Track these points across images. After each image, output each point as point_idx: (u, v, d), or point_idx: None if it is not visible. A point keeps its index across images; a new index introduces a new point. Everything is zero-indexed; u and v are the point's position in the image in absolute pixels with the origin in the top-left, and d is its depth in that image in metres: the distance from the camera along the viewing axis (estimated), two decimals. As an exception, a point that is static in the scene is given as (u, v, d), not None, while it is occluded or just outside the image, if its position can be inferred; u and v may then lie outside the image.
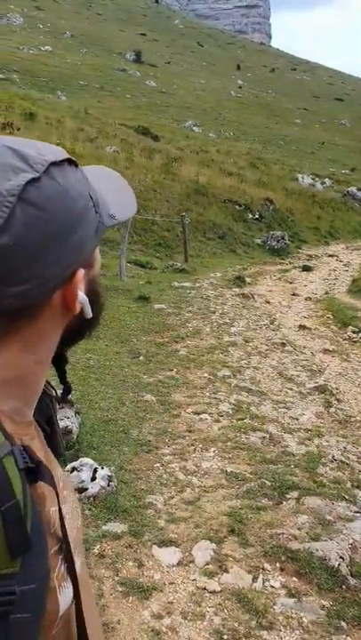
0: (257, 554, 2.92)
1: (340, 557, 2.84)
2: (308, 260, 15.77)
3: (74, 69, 48.96)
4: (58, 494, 0.62)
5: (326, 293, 11.06)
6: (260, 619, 2.49)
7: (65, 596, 0.62)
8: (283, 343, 7.19)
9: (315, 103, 78.44)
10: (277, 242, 16.67)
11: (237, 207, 18.34)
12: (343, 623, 2.51)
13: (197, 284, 10.38)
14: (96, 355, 5.61)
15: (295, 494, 3.50)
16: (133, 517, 3.12)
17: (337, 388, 5.76)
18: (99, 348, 5.83)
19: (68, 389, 0.79)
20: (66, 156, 0.61)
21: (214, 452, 4.08)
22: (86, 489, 3.17)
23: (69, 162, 0.61)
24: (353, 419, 5.05)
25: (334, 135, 55.95)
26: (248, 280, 11.58)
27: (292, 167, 32.68)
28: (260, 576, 2.76)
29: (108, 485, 3.27)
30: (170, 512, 3.26)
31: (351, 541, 2.97)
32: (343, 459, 4.12)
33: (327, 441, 4.45)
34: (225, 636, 2.39)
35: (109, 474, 3.34)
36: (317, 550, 2.88)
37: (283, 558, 2.88)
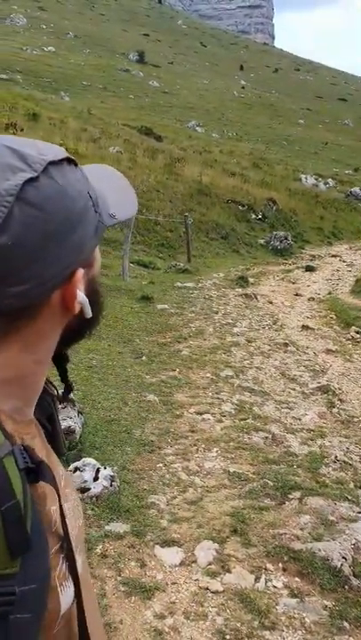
0: (259, 554, 2.92)
1: (343, 558, 2.84)
2: (312, 260, 15.74)
3: (77, 70, 49.04)
4: (59, 493, 0.62)
5: (329, 294, 11.05)
6: (263, 619, 2.49)
7: (66, 595, 0.62)
8: (285, 343, 7.18)
9: (318, 103, 78.38)
10: (280, 242, 16.65)
11: (240, 207, 18.33)
12: (346, 623, 2.51)
13: (200, 285, 10.37)
14: (99, 355, 5.61)
15: (298, 494, 3.49)
16: (136, 517, 3.13)
17: (340, 389, 5.75)
18: (101, 348, 5.84)
19: (69, 388, 0.79)
20: (65, 155, 0.61)
21: (217, 452, 4.08)
22: (89, 489, 3.18)
23: (69, 161, 0.61)
24: (356, 419, 5.04)
25: (338, 135, 55.88)
26: (251, 280, 11.57)
27: (296, 167, 32.66)
28: (263, 576, 2.76)
29: (111, 485, 3.27)
30: (172, 512, 3.26)
31: (354, 542, 2.97)
32: (346, 459, 4.12)
33: (330, 441, 4.45)
34: (227, 637, 2.38)
35: (112, 474, 3.34)
36: (320, 550, 2.88)
37: (285, 558, 2.88)
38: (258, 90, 78.02)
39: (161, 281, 10.08)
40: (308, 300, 10.41)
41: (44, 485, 0.60)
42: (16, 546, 0.52)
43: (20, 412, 0.62)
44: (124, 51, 72.26)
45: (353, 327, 8.25)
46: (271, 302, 9.91)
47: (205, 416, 4.68)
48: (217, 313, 8.38)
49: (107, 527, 2.99)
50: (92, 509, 3.10)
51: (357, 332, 7.98)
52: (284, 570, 2.83)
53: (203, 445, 4.16)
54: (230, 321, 8.03)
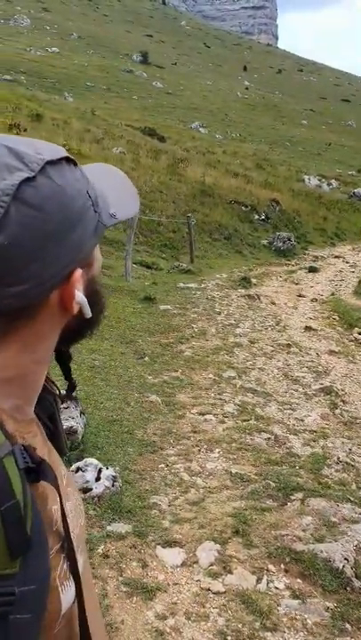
0: (261, 555, 2.91)
1: (345, 559, 2.83)
2: (315, 261, 15.72)
3: (81, 71, 49.12)
4: (60, 492, 0.62)
5: (332, 295, 11.03)
6: (264, 620, 2.48)
7: (67, 595, 0.62)
8: (288, 344, 7.17)
9: (321, 104, 78.36)
10: (283, 243, 16.63)
11: (243, 208, 18.32)
12: (348, 625, 2.50)
13: (203, 285, 10.37)
14: (101, 355, 5.62)
15: (300, 496, 3.49)
16: (138, 518, 3.13)
17: (343, 390, 5.74)
18: (104, 348, 5.84)
19: (72, 386, 0.79)
20: (64, 154, 0.60)
21: (219, 452, 4.08)
22: (91, 489, 3.18)
23: (67, 160, 0.61)
24: (358, 420, 5.03)
25: (341, 136, 55.83)
26: (254, 281, 11.56)
27: (299, 168, 32.62)
28: (265, 577, 2.76)
29: (113, 486, 3.27)
30: (174, 513, 3.25)
31: (356, 543, 2.96)
32: (348, 460, 4.11)
33: (332, 442, 4.44)
34: (229, 637, 2.38)
35: (114, 474, 3.34)
36: (322, 552, 2.87)
37: (287, 559, 2.87)
38: (261, 91, 78.03)
39: (164, 281, 10.08)
40: (311, 301, 10.40)
41: (44, 485, 0.59)
42: (16, 546, 0.52)
43: (21, 411, 0.62)
44: (128, 51, 72.36)
45: (356, 328, 8.24)
46: (274, 303, 9.90)
47: (208, 417, 4.68)
48: (220, 314, 8.38)
49: (108, 527, 2.99)
50: (94, 509, 3.11)
51: (360, 334, 7.98)
52: (286, 571, 2.82)
53: (205, 446, 4.16)
54: (233, 322, 8.02)
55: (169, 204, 15.57)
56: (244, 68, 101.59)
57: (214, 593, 2.64)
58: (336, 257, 16.91)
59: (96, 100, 37.03)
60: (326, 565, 2.80)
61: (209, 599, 2.61)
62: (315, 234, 20.35)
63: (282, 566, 2.85)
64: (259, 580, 2.74)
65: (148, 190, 15.04)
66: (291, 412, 5.05)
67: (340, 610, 2.58)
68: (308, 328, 8.18)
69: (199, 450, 4.10)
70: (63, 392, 0.79)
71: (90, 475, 3.23)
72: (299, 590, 2.69)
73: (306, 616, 2.53)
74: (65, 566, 0.62)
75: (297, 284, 12.23)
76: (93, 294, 0.66)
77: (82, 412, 4.00)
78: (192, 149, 27.10)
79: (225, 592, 2.65)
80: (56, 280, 0.59)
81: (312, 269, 13.94)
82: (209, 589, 2.66)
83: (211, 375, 5.71)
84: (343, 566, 2.79)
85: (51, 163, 0.58)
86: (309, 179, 29.20)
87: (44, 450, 0.66)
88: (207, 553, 2.89)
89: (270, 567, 2.83)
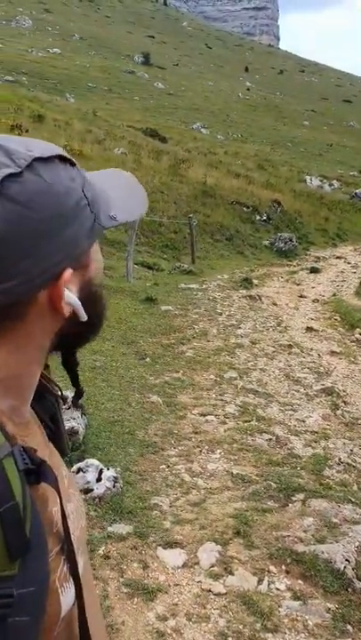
0: (262, 556, 2.91)
1: (346, 560, 2.83)
2: (316, 261, 15.70)
3: (82, 71, 49.19)
4: (60, 494, 0.62)
5: (334, 295, 11.02)
6: (266, 621, 2.48)
7: (67, 597, 0.61)
8: (290, 345, 7.17)
9: (323, 105, 78.37)
10: (285, 243, 16.62)
11: (245, 209, 18.32)
12: (349, 626, 2.50)
13: (204, 286, 10.37)
14: (102, 356, 5.62)
15: (301, 496, 3.48)
16: (139, 519, 3.12)
17: (344, 391, 5.73)
18: (105, 349, 5.84)
19: (79, 393, 0.78)
20: (57, 152, 0.60)
21: (220, 453, 4.07)
22: (92, 490, 3.18)
23: (61, 159, 0.60)
24: (360, 421, 5.02)
25: (343, 137, 55.82)
26: (255, 282, 11.55)
27: (301, 169, 32.62)
28: (266, 578, 2.75)
29: (114, 486, 3.27)
30: (175, 514, 3.25)
31: (357, 544, 2.96)
32: (350, 461, 4.11)
33: (334, 443, 4.44)
34: (230, 639, 2.38)
35: (115, 475, 3.34)
36: (323, 553, 2.87)
37: (288, 561, 2.87)
38: (263, 91, 78.05)
39: (165, 282, 10.08)
40: (313, 301, 10.39)
41: (45, 486, 0.59)
42: (15, 548, 0.52)
43: (18, 413, 0.62)
44: (130, 52, 72.44)
45: (357, 329, 8.23)
46: (275, 304, 9.90)
47: (209, 417, 4.68)
48: (221, 314, 8.38)
49: (109, 528, 2.99)
50: (95, 510, 3.10)
51: (362, 334, 7.97)
52: (287, 572, 2.82)
53: (206, 447, 4.16)
54: (234, 322, 8.02)
55: (170, 204, 15.58)
56: (246, 69, 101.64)
57: (215, 594, 2.64)
58: (338, 257, 16.89)
59: (98, 101, 37.08)
60: (327, 566, 2.80)
61: (210, 600, 2.60)
62: (316, 234, 20.33)
63: (283, 567, 2.84)
64: (260, 582, 2.73)
65: (149, 191, 14.99)
66: (292, 412, 5.05)
67: (342, 611, 2.58)
68: (309, 329, 8.17)
69: (200, 451, 4.10)
70: (67, 394, 0.78)
71: (91, 475, 3.23)
72: (300, 591, 2.69)
73: (307, 617, 2.53)
74: (65, 568, 0.61)
75: (298, 284, 12.22)
76: (90, 297, 0.65)
77: (83, 413, 4.01)
78: (194, 150, 27.12)
79: (226, 593, 2.65)
80: (45, 277, 0.58)
81: (314, 270, 13.93)
82: (210, 590, 2.66)
83: (212, 376, 5.70)
84: (344, 567, 2.79)
85: (40, 159, 0.57)
86: (311, 179, 29.19)
87: (45, 451, 0.65)
88: (208, 554, 2.89)
89: (271, 568, 2.83)
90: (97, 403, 4.56)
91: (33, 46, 53.46)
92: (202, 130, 40.16)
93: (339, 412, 5.16)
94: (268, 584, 2.72)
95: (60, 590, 0.60)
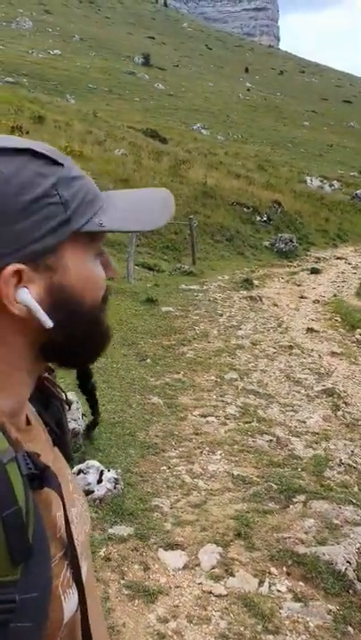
0: (263, 558, 2.91)
1: (347, 562, 2.83)
2: (317, 262, 15.70)
3: (83, 73, 49.25)
4: (64, 499, 0.61)
5: (335, 296, 11.02)
6: (267, 623, 2.48)
7: (70, 603, 0.61)
8: (290, 346, 7.17)
9: (323, 105, 78.42)
10: (286, 244, 16.62)
11: (245, 209, 18.32)
12: (350, 628, 2.50)
13: (205, 287, 10.37)
14: (103, 357, 5.59)
15: (302, 498, 3.48)
16: (139, 520, 3.12)
17: (345, 391, 5.73)
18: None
19: (94, 423, 0.76)
20: (31, 147, 0.58)
21: (221, 454, 4.07)
22: (92, 491, 3.18)
23: (36, 154, 0.58)
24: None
25: (343, 137, 55.85)
26: (256, 283, 11.56)
27: (301, 169, 32.64)
28: (267, 580, 2.75)
29: (115, 488, 3.27)
30: (176, 515, 3.25)
31: (358, 546, 2.95)
32: (351, 462, 4.10)
33: (334, 444, 4.43)
34: (231, 641, 2.38)
35: (116, 476, 3.34)
36: (324, 554, 2.87)
37: (289, 562, 2.87)
38: (263, 92, 78.10)
39: (166, 283, 10.08)
40: (313, 302, 10.39)
41: (48, 491, 0.59)
42: (17, 553, 0.51)
43: (16, 418, 0.62)
44: (130, 53, 72.50)
45: (358, 330, 8.23)
46: (276, 305, 9.90)
47: (210, 419, 4.68)
48: (222, 315, 8.38)
49: (110, 530, 2.99)
50: (96, 512, 3.10)
51: (362, 335, 7.96)
52: (288, 574, 2.82)
53: (207, 448, 4.15)
54: (235, 323, 8.02)
55: (171, 205, 15.55)
56: (246, 70, 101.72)
57: (216, 596, 2.64)
58: (338, 258, 16.89)
59: (98, 102, 37.11)
60: (328, 568, 2.80)
61: (211, 602, 2.60)
62: (317, 235, 20.33)
63: (284, 569, 2.84)
64: (261, 583, 2.73)
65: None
66: (293, 413, 5.05)
67: (343, 613, 2.57)
68: (310, 330, 8.17)
69: (201, 452, 4.10)
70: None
71: (91, 477, 3.23)
72: (301, 593, 2.69)
73: (308, 619, 2.53)
74: (68, 574, 0.61)
75: (299, 285, 12.22)
76: (65, 305, 0.60)
77: (83, 414, 4.00)
78: (194, 151, 27.13)
79: (227, 595, 2.64)
80: None
81: (314, 271, 13.93)
82: (211, 592, 2.66)
83: (213, 377, 5.70)
84: (345, 569, 2.78)
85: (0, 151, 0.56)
86: (311, 180, 29.20)
87: (50, 456, 0.65)
88: (209, 556, 2.89)
89: (272, 570, 2.83)
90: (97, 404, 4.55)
91: (33, 47, 53.52)
92: (202, 130, 40.18)
93: (340, 412, 5.15)
94: (269, 586, 2.72)
95: (62, 596, 0.59)
